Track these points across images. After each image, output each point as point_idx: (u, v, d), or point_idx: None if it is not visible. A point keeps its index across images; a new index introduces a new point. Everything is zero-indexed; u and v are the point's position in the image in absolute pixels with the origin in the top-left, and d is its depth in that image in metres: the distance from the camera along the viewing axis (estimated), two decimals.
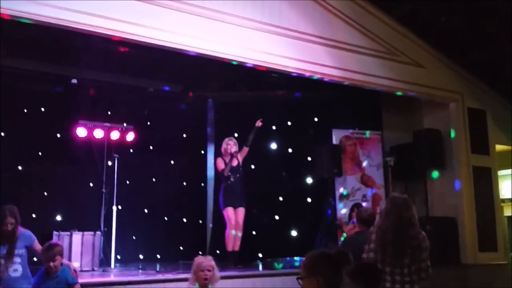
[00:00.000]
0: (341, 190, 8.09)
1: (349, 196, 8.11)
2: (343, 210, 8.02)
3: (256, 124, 7.15)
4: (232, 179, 6.93)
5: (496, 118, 8.98)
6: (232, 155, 6.98)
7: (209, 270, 3.83)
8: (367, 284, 3.17)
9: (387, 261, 3.63)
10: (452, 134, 8.48)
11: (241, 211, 6.93)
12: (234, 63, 6.49)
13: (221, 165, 7.07)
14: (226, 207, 6.88)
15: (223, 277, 5.55)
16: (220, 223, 6.90)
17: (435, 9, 7.49)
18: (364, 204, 8.12)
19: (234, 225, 6.84)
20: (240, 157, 7.13)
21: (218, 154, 8.30)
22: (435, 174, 8.56)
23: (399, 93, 8.03)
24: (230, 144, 7.08)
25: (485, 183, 8.55)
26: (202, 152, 9.32)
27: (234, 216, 6.86)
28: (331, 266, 2.63)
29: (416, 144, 8.45)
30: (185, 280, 5.54)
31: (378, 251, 3.66)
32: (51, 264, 4.15)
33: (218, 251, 7.35)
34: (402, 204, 3.76)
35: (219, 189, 7.21)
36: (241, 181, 7.04)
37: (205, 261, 3.88)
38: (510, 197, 10.18)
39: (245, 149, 7.20)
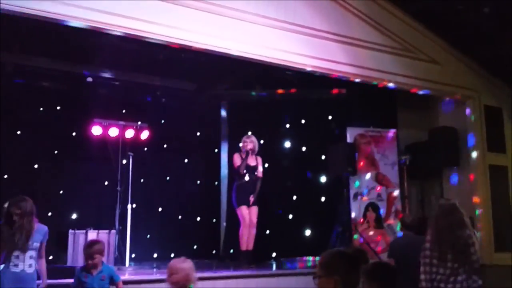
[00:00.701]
0: (356, 189, 8.03)
1: (364, 195, 8.05)
2: (357, 210, 7.96)
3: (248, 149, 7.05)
4: (247, 177, 6.88)
5: None
6: (248, 153, 6.92)
7: (176, 273, 3.68)
8: (382, 284, 3.13)
9: (436, 256, 4.04)
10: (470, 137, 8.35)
11: (255, 209, 6.90)
12: (235, 57, 6.41)
13: (237, 161, 7.03)
14: (240, 206, 6.86)
15: (236, 277, 5.56)
16: (234, 222, 6.90)
17: (451, 5, 7.39)
18: (379, 203, 8.05)
19: (249, 223, 6.81)
20: (259, 160, 7.09)
21: (232, 152, 8.31)
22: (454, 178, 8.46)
23: (414, 90, 7.94)
24: (246, 142, 7.04)
25: (501, 182, 8.42)
26: (216, 150, 9.33)
27: (249, 214, 6.82)
28: (349, 265, 2.60)
29: (432, 143, 8.35)
30: (199, 279, 5.59)
31: (432, 249, 4.07)
32: (90, 262, 4.24)
33: (232, 250, 7.34)
34: (448, 209, 4.20)
35: (232, 187, 7.19)
36: (256, 182, 7.01)
37: (174, 263, 3.77)
38: None
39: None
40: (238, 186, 6.95)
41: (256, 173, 7.01)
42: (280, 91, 8.74)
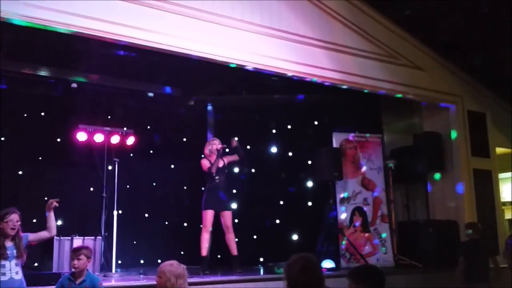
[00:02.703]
0: (342, 193, 8.08)
1: (350, 199, 8.10)
2: (343, 214, 8.01)
3: (232, 144, 6.93)
4: (217, 179, 6.79)
5: (496, 120, 8.99)
6: (219, 153, 6.81)
7: (159, 277, 3.67)
8: (369, 286, 3.15)
9: None
10: (453, 134, 8.47)
11: (228, 214, 6.80)
12: (233, 65, 6.46)
13: (206, 164, 6.87)
14: (206, 209, 6.71)
15: (224, 282, 5.55)
16: (220, 227, 6.87)
17: (435, 12, 7.50)
18: (365, 208, 8.11)
19: (209, 228, 6.73)
20: (226, 160, 7.00)
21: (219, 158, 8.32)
22: (437, 175, 8.54)
23: (399, 95, 8.03)
24: (215, 143, 6.93)
25: (485, 186, 8.54)
26: (202, 156, 9.29)
27: (211, 219, 6.70)
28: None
29: (417, 147, 8.44)
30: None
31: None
32: (75, 261, 4.19)
33: (219, 256, 7.32)
34: None
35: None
36: (226, 183, 6.94)
37: (161, 266, 3.74)
38: (510, 200, 10.17)
39: (234, 156, 7.07)
40: (208, 189, 6.83)
41: (226, 171, 6.94)
42: (266, 96, 8.77)
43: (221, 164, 6.89)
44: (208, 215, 6.68)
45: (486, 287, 5.95)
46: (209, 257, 6.74)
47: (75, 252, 4.31)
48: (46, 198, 7.63)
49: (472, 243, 6.24)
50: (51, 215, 4.66)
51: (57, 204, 4.73)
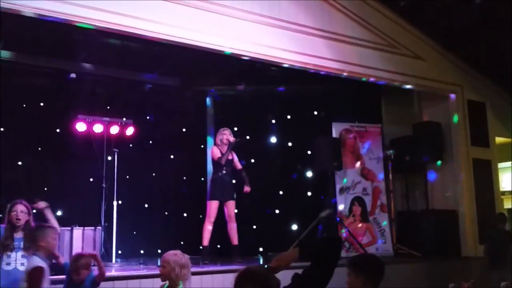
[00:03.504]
0: (341, 183, 8.08)
1: (349, 189, 8.11)
2: (342, 204, 8.02)
3: (231, 140, 6.87)
4: (224, 170, 6.80)
5: (496, 110, 8.98)
6: (230, 144, 6.79)
7: (163, 266, 3.67)
8: (369, 276, 3.16)
9: None
10: (455, 119, 8.45)
11: (231, 204, 6.82)
12: (227, 52, 6.38)
13: (217, 153, 6.85)
14: (211, 200, 6.75)
15: (224, 271, 5.57)
16: (221, 218, 6.87)
17: (435, 1, 7.46)
18: (364, 197, 8.12)
19: (227, 218, 6.77)
20: (235, 157, 7.01)
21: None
22: (439, 162, 8.52)
23: (398, 85, 8.01)
24: (226, 134, 6.88)
25: (485, 176, 8.56)
26: (202, 146, 9.31)
27: (216, 210, 6.71)
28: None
29: (416, 137, 8.44)
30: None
31: None
32: (75, 276, 4.11)
33: (219, 246, 7.35)
34: None
35: None
36: (232, 174, 6.94)
37: (165, 256, 3.73)
38: (510, 189, 10.19)
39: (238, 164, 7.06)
40: (214, 179, 6.84)
41: (233, 165, 6.92)
42: (265, 86, 8.75)
43: (229, 157, 6.88)
44: (213, 206, 6.71)
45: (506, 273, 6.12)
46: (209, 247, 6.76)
47: (75, 267, 4.13)
48: (46, 189, 7.75)
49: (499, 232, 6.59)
50: (49, 213, 4.58)
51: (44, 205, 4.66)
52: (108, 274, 5.53)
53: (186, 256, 3.76)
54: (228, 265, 6.16)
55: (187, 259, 3.74)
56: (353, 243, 7.66)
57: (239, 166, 7.00)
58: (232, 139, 6.83)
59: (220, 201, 6.76)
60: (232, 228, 6.79)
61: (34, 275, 3.87)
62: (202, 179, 9.15)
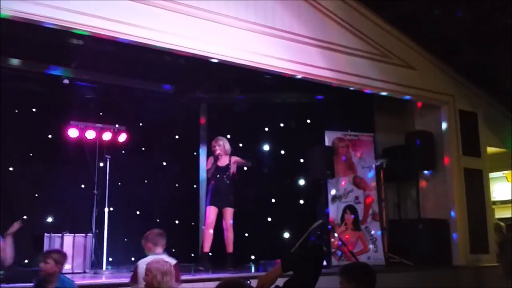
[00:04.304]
0: (333, 192, 8.10)
1: (341, 197, 8.13)
2: (335, 212, 8.03)
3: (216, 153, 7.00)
4: (218, 176, 6.90)
5: (488, 120, 9.05)
6: (217, 158, 6.95)
7: (146, 274, 3.70)
8: (360, 284, 3.17)
9: None
10: (444, 128, 8.53)
11: (228, 211, 6.86)
12: (221, 60, 6.40)
13: (208, 164, 7.11)
14: (208, 205, 6.89)
15: (215, 279, 5.54)
16: (217, 225, 6.88)
17: (427, 12, 7.53)
18: (356, 206, 8.14)
19: (210, 224, 6.79)
20: (233, 159, 7.06)
21: (210, 155, 8.28)
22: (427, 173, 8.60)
23: (391, 94, 8.05)
24: (215, 147, 7.03)
25: (476, 185, 8.60)
26: (195, 153, 9.30)
27: (213, 216, 6.79)
28: None
29: (408, 146, 8.49)
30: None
31: None
32: (41, 264, 4.09)
33: (210, 253, 7.31)
34: None
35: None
36: (228, 182, 6.95)
37: (148, 263, 3.75)
38: (501, 199, 10.26)
39: (243, 161, 7.19)
40: (211, 186, 6.99)
41: (229, 170, 6.96)
42: (259, 94, 8.78)
43: (224, 164, 6.94)
44: (210, 212, 6.78)
45: None
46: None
47: (44, 255, 4.15)
48: (36, 195, 7.70)
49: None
50: (10, 242, 4.52)
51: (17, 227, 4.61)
52: (98, 281, 5.53)
53: (169, 263, 3.78)
54: (220, 273, 6.14)
55: (169, 267, 3.75)
56: (344, 252, 7.67)
57: (243, 161, 7.13)
58: (217, 153, 6.93)
59: (218, 207, 6.82)
60: (229, 237, 6.83)
61: None
62: (195, 186, 9.14)
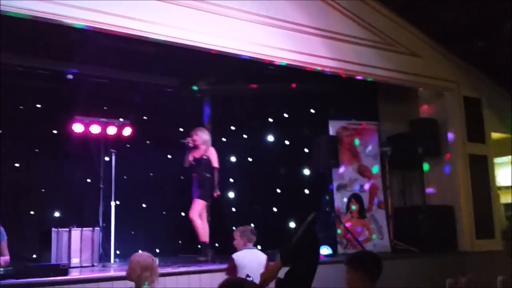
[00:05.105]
0: (338, 181, 8.11)
1: (346, 186, 8.14)
2: (340, 201, 8.05)
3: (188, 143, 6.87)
4: (195, 170, 6.83)
5: (492, 106, 9.03)
6: (193, 148, 6.87)
7: (128, 267, 3.73)
8: (366, 272, 3.20)
9: None
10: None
11: (195, 202, 6.76)
12: (224, 51, 6.38)
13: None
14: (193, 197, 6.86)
15: (223, 270, 5.58)
16: (219, 217, 6.90)
17: None
18: (361, 194, 8.16)
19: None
20: (210, 152, 6.88)
21: (215, 147, 8.30)
22: (426, 167, 8.59)
23: (394, 82, 8.03)
24: (192, 136, 6.91)
25: (481, 171, 8.61)
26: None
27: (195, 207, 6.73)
28: None
29: (413, 134, 8.48)
30: (185, 273, 5.60)
31: None
32: None
33: (217, 244, 7.37)
34: None
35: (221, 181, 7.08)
36: (203, 174, 6.80)
37: (131, 257, 3.77)
38: (506, 184, 10.25)
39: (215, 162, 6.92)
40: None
41: (201, 164, 6.82)
42: (262, 85, 8.77)
43: (198, 155, 6.85)
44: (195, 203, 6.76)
45: None
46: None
47: None
48: (43, 190, 7.75)
49: None
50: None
51: None
52: (107, 274, 5.57)
53: (153, 258, 3.76)
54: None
55: (152, 261, 3.73)
56: (350, 240, 7.70)
57: (215, 165, 6.88)
58: (191, 143, 6.85)
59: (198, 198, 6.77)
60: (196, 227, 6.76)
61: None
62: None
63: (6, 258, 4.49)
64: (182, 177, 9.20)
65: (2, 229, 4.40)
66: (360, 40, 7.50)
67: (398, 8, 7.89)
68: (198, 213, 6.73)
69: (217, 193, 6.80)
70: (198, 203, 6.74)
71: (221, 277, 5.52)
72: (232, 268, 4.78)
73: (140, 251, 3.84)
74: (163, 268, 5.89)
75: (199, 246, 6.79)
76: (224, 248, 7.35)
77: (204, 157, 6.83)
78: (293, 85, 8.69)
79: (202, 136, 6.93)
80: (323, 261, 5.84)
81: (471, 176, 8.41)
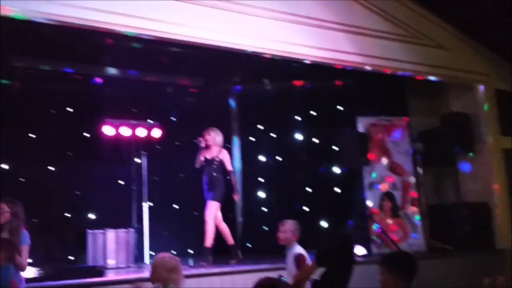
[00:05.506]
0: (370, 178, 8.01)
1: (378, 184, 8.03)
2: (372, 199, 7.95)
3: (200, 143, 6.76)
4: (205, 171, 6.73)
5: None
6: (206, 148, 6.78)
7: (151, 271, 3.66)
8: (403, 273, 3.14)
9: None
10: (485, 108, 8.30)
11: (209, 204, 6.64)
12: (249, 51, 6.36)
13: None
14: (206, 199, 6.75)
15: (255, 271, 5.59)
16: (251, 217, 6.89)
17: None
18: (394, 192, 8.03)
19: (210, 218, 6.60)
20: (223, 154, 6.81)
21: (243, 147, 8.30)
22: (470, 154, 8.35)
23: (422, 76, 7.88)
24: (204, 136, 6.81)
25: None
26: (228, 145, 9.34)
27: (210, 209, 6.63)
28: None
29: (444, 129, 8.31)
30: (218, 274, 5.64)
31: None
32: None
33: (249, 245, 7.39)
34: None
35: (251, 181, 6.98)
36: (215, 175, 6.71)
37: (154, 259, 3.71)
38: None
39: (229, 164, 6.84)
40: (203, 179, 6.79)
41: (213, 165, 6.72)
42: (289, 83, 8.74)
43: (210, 156, 6.75)
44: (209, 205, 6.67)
45: None
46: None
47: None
48: (78, 193, 7.90)
49: None
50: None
51: None
52: (141, 275, 5.64)
53: (176, 258, 3.70)
54: (261, 264, 6.13)
55: (176, 262, 3.66)
56: (384, 239, 7.59)
57: (229, 167, 6.79)
58: (203, 143, 6.74)
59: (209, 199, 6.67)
60: (223, 230, 6.69)
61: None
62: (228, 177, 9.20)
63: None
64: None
65: (26, 232, 4.42)
66: (385, 34, 7.40)
67: (423, 1, 7.74)
68: (214, 215, 6.61)
69: (237, 195, 6.72)
70: (213, 205, 6.61)
71: (253, 278, 5.54)
72: (302, 263, 4.49)
73: (162, 253, 3.79)
74: (196, 268, 5.95)
75: (229, 247, 6.78)
76: (254, 249, 7.38)
77: (217, 158, 6.73)
78: (320, 83, 8.64)
79: (215, 137, 6.81)
80: (358, 261, 5.78)
81: (506, 171, 8.21)
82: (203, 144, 6.75)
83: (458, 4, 7.65)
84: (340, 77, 8.27)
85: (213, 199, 6.61)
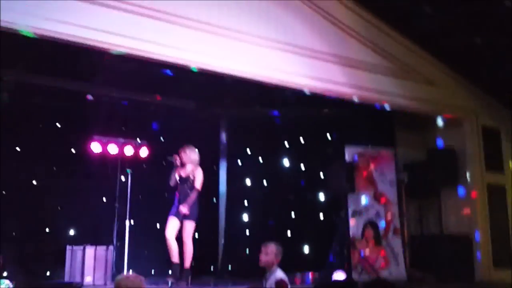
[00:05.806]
0: (360, 204, 8.03)
1: (362, 213, 8.07)
2: (355, 227, 7.96)
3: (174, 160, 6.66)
4: (179, 189, 6.61)
5: (510, 135, 8.91)
6: (180, 166, 6.66)
7: None
8: None
9: None
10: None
11: (186, 223, 6.51)
12: (242, 76, 6.44)
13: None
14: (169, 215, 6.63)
15: None
16: (233, 239, 6.85)
17: (448, 27, 7.51)
18: (377, 221, 8.06)
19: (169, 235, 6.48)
20: (196, 172, 6.67)
21: (230, 170, 8.29)
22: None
23: (411, 109, 8.01)
24: (180, 154, 6.69)
25: (499, 201, 8.47)
26: (215, 168, 9.34)
27: (171, 227, 6.50)
28: None
29: (430, 162, 8.40)
30: None
31: None
32: None
33: (230, 267, 7.33)
34: None
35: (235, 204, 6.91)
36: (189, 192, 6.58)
37: (116, 279, 3.56)
38: None
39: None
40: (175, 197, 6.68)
41: (187, 183, 6.60)
42: (279, 110, 8.81)
43: (184, 174, 6.63)
44: (168, 222, 6.56)
45: None
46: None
47: None
48: (59, 208, 7.82)
49: None
50: None
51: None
52: None
53: (140, 277, 3.58)
54: (240, 285, 6.09)
55: (139, 282, 3.52)
56: (365, 267, 7.59)
57: (197, 186, 6.63)
58: (178, 161, 6.63)
59: (175, 217, 6.53)
60: (186, 251, 6.53)
61: None
62: (214, 200, 9.17)
63: None
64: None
65: None
66: (376, 67, 7.54)
67: (414, 36, 7.91)
68: (192, 235, 6.52)
69: (185, 210, 6.43)
70: (189, 225, 6.50)
71: None
72: None
73: (124, 273, 3.69)
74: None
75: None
76: (238, 271, 7.31)
77: (191, 177, 6.60)
78: (310, 111, 8.73)
79: (190, 155, 6.68)
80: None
81: (489, 206, 8.29)
82: (178, 162, 6.63)
83: (449, 42, 7.82)
84: (330, 107, 8.36)
85: (190, 218, 6.48)
